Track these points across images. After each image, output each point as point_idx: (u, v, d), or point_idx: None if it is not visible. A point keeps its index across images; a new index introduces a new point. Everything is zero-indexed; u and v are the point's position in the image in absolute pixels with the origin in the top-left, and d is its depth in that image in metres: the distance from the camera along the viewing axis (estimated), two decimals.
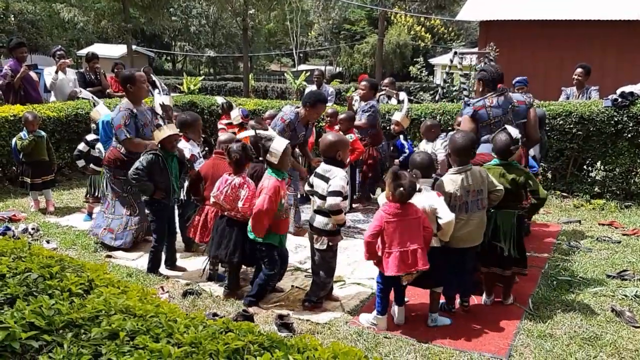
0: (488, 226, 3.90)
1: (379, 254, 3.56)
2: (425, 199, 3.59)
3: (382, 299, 3.71)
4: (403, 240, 3.46)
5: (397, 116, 6.58)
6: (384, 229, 3.50)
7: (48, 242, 5.23)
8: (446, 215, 3.52)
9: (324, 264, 3.96)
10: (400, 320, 3.75)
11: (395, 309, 3.78)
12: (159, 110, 5.52)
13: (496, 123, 4.47)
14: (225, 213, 4.14)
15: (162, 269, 4.72)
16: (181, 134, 4.91)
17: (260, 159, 4.30)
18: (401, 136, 6.58)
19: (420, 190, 3.58)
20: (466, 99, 4.50)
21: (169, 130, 4.58)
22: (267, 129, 4.57)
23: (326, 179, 3.81)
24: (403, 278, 3.56)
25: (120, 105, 5.18)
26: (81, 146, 6.01)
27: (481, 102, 4.57)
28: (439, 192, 3.67)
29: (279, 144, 3.89)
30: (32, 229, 5.57)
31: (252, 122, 6.05)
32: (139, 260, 4.99)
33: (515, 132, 3.98)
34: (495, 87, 4.64)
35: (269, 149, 3.87)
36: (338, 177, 3.77)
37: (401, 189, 3.43)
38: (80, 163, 6.07)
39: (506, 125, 4.11)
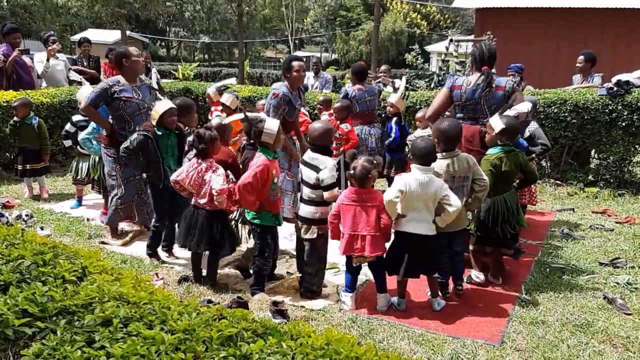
0: (494, 209, 3.98)
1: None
2: (436, 184, 3.59)
3: (346, 276, 3.86)
4: (355, 223, 3.60)
5: (392, 98, 6.57)
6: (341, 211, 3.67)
7: (42, 228, 5.21)
8: (456, 202, 3.56)
9: (315, 252, 3.95)
10: (381, 307, 3.77)
11: (378, 296, 3.81)
12: (156, 85, 5.46)
13: (467, 105, 4.43)
14: (192, 200, 4.10)
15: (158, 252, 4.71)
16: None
17: (250, 145, 4.26)
18: (394, 119, 6.52)
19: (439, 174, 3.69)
20: (455, 73, 4.46)
21: (166, 103, 4.54)
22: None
23: (314, 168, 3.81)
24: (354, 260, 3.72)
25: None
26: (67, 126, 5.95)
27: (460, 82, 4.46)
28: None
29: (272, 124, 3.88)
30: (26, 215, 5.55)
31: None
32: (134, 247, 4.98)
33: (524, 107, 4.11)
34: (481, 68, 4.44)
35: (263, 130, 3.83)
36: (328, 169, 3.77)
37: (351, 172, 3.60)
38: (67, 143, 6.06)
39: (516, 104, 4.16)
